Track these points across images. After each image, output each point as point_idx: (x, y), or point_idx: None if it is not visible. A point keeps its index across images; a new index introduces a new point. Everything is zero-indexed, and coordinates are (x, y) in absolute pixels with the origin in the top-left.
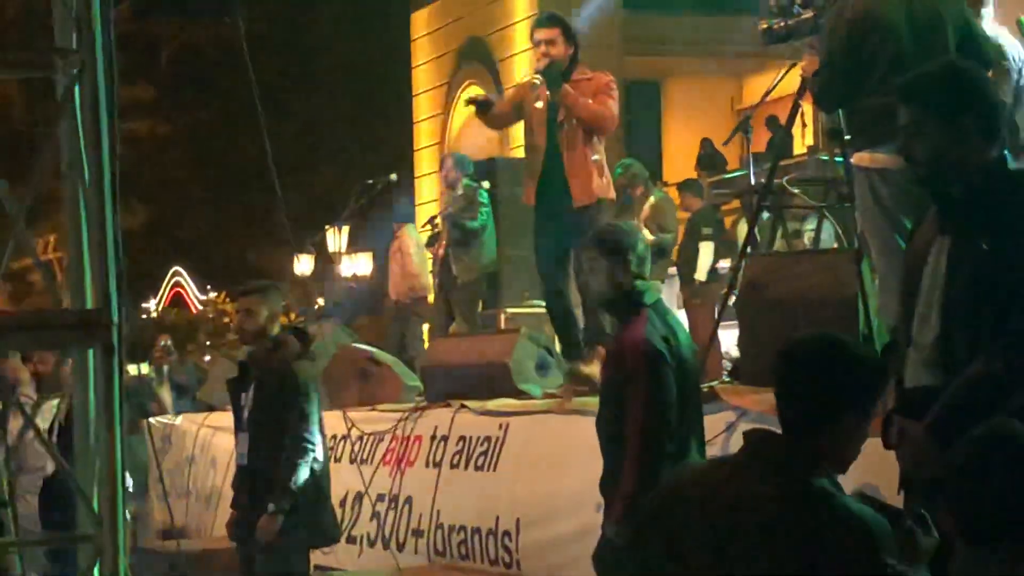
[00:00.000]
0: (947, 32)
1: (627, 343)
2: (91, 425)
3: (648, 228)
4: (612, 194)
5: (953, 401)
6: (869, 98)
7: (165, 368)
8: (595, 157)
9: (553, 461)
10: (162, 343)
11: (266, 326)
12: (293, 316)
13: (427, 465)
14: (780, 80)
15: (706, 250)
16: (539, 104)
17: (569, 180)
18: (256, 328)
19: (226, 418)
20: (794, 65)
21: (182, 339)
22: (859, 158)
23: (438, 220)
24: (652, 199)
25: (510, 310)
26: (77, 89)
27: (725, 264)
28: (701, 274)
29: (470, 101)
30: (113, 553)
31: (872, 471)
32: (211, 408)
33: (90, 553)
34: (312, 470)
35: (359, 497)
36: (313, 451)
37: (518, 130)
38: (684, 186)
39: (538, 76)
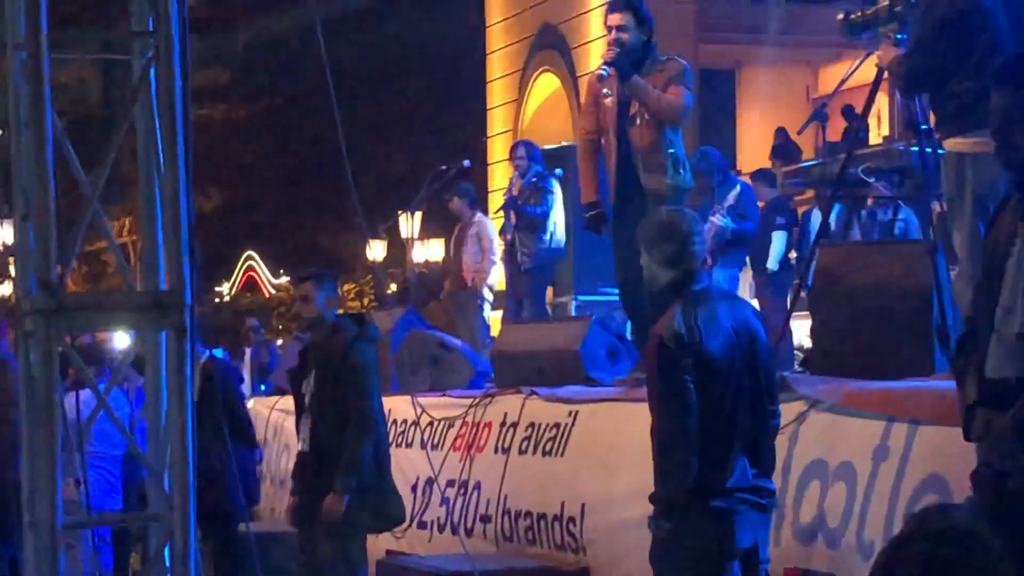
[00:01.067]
0: None
1: (649, 338)
2: (163, 407)
3: (729, 216)
4: (689, 184)
5: None
6: (961, 83)
7: (247, 351)
8: (671, 150)
9: (620, 448)
10: (248, 323)
11: (323, 312)
12: (366, 301)
13: (496, 451)
14: (856, 69)
15: (779, 240)
16: (608, 100)
17: (642, 174)
18: (313, 314)
19: (291, 403)
20: (870, 54)
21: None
22: (953, 143)
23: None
24: (738, 188)
25: (582, 297)
26: (153, 71)
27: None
28: (773, 263)
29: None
30: (183, 534)
31: (946, 464)
32: (283, 392)
33: (160, 534)
34: (373, 453)
35: (430, 482)
36: (375, 432)
37: None
38: (757, 175)
39: (606, 68)
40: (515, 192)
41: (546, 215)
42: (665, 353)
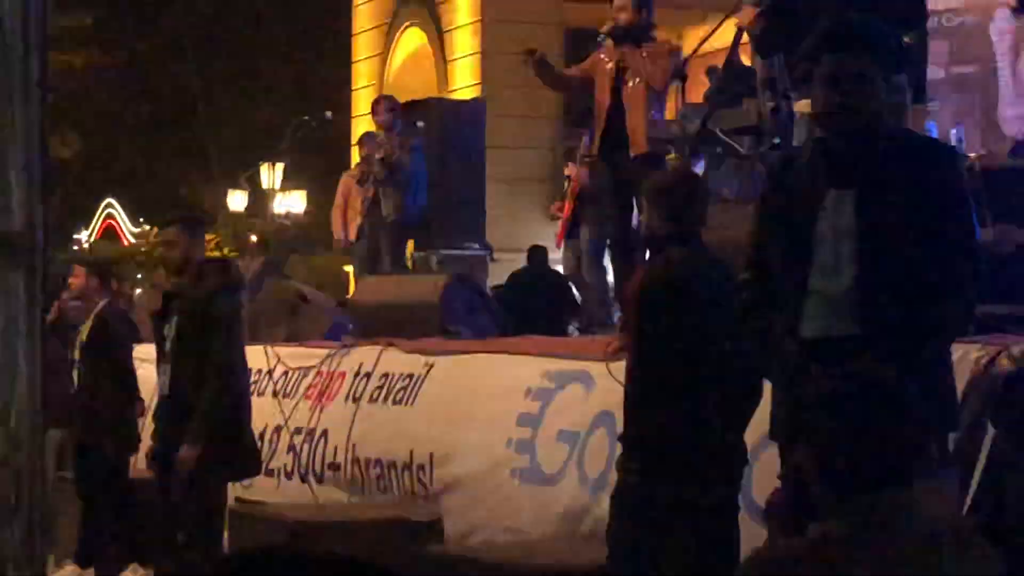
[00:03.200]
0: None
1: (629, 288)
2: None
3: None
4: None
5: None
6: None
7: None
8: (654, 113)
9: (472, 399)
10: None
11: (189, 257)
12: (226, 251)
13: (346, 399)
14: (716, 30)
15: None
16: (609, 65)
17: (628, 133)
18: (178, 259)
19: (151, 350)
20: (730, 15)
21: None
22: (803, 105)
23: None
24: None
25: (444, 251)
26: (8, 5)
27: None
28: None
29: (527, 53)
30: (32, 477)
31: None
32: (138, 340)
33: (8, 477)
34: (233, 402)
35: (278, 430)
36: (233, 383)
37: (461, 73)
38: None
39: (602, 36)
40: (387, 149)
41: (415, 175)
42: (649, 297)
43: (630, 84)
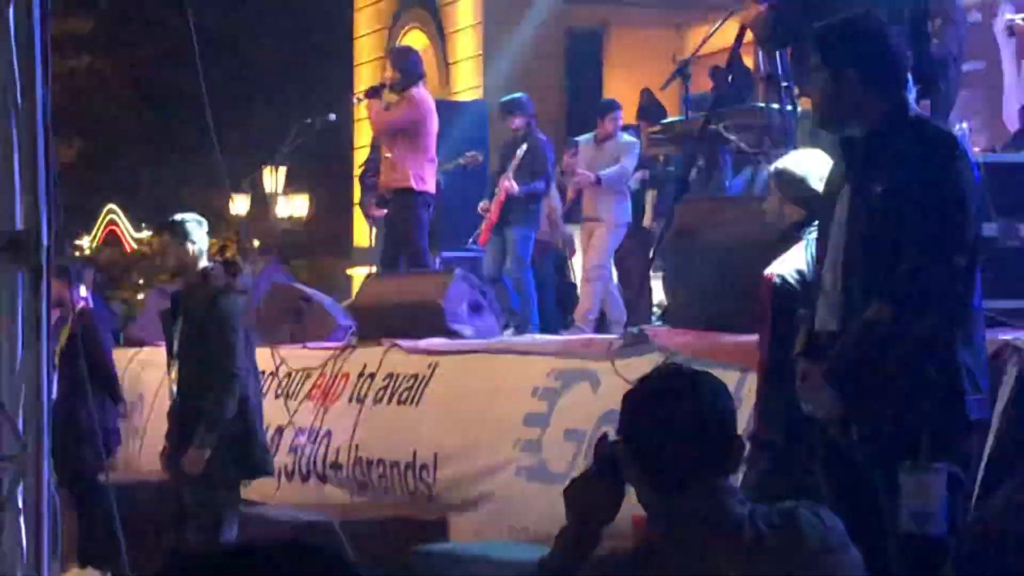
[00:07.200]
0: None
1: (760, 280)
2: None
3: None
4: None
5: (847, 346)
6: None
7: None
8: None
9: (477, 399)
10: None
11: (192, 259)
12: (229, 255)
13: (350, 400)
14: (718, 28)
15: (652, 197)
16: None
17: None
18: (171, 264)
19: (156, 353)
20: (732, 14)
21: (117, 277)
22: (806, 102)
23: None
24: (524, 145)
25: (446, 253)
26: (12, 11)
27: None
28: (648, 221)
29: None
30: (36, 476)
31: None
32: (142, 344)
33: (13, 475)
34: (240, 403)
35: (279, 431)
36: (239, 385)
37: (463, 75)
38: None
39: None
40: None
41: None
42: (781, 292)
43: None
